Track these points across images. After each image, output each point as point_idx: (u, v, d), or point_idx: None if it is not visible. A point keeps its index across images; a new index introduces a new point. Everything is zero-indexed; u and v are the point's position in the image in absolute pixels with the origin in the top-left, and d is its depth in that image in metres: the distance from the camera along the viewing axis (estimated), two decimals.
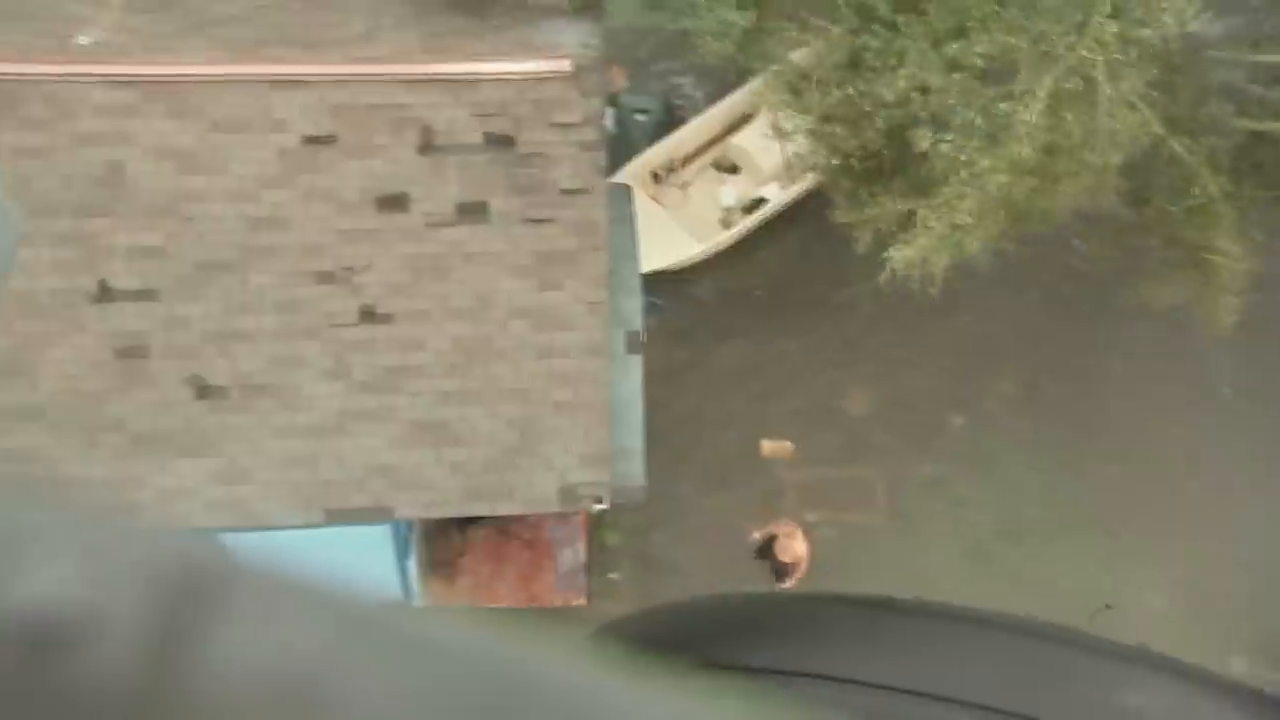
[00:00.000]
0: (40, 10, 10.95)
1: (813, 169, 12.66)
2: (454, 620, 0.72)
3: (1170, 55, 10.47)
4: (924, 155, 10.16)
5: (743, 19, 11.14)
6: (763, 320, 14.74)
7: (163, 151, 10.50)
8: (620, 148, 14.58)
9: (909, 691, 3.06)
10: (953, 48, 9.84)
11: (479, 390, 10.41)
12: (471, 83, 10.84)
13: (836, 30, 10.83)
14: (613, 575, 13.19)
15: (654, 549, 13.28)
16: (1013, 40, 9.76)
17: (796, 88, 11.40)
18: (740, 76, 13.94)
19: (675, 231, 14.60)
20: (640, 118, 15.66)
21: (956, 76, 10.03)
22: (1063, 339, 14.60)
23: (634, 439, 10.96)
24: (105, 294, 10.25)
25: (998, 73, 10.52)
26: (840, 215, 11.86)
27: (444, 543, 12.52)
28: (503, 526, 12.48)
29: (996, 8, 9.87)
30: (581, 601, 12.60)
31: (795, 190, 15.00)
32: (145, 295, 10.30)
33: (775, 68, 11.62)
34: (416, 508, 10.45)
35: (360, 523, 10.46)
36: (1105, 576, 12.97)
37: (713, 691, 0.73)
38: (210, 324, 10.32)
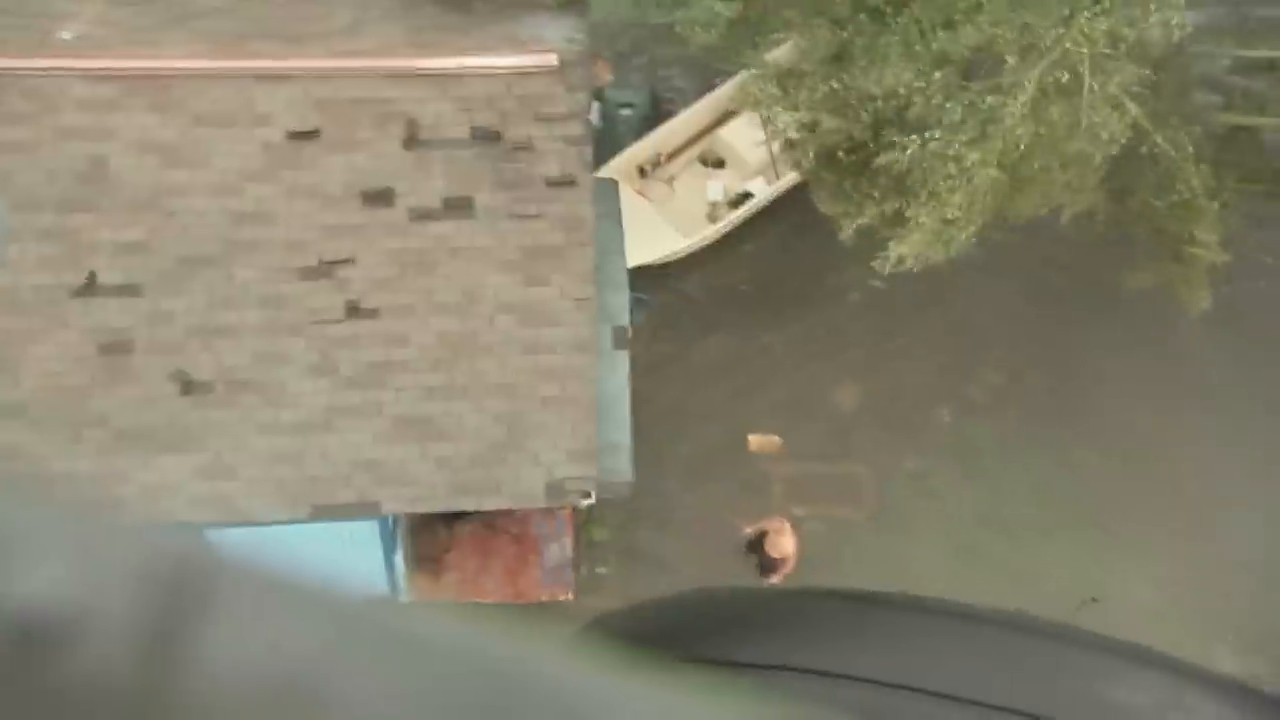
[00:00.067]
0: (22, 4, 10.90)
1: (797, 164, 12.69)
2: (444, 617, 0.72)
3: (1156, 53, 10.50)
4: (910, 155, 10.18)
5: (728, 9, 11.16)
6: (748, 314, 14.75)
7: (145, 146, 10.46)
8: (606, 142, 14.57)
9: (897, 686, 3.07)
10: (940, 37, 9.86)
11: (465, 385, 10.39)
12: (457, 77, 10.82)
13: (821, 21, 10.85)
14: (600, 570, 13.20)
15: (641, 544, 13.29)
16: (999, 32, 9.78)
17: (782, 83, 11.42)
18: (726, 70, 13.94)
19: (661, 226, 14.60)
20: (625, 112, 15.66)
21: (938, 75, 10.06)
22: (1049, 331, 14.65)
23: (621, 434, 10.96)
24: (88, 289, 10.20)
25: (982, 68, 10.56)
26: (823, 206, 11.90)
27: (430, 538, 12.51)
28: (489, 522, 12.48)
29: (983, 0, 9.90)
30: (568, 596, 12.60)
31: (781, 185, 15.01)
32: (128, 290, 10.25)
33: (760, 63, 11.64)
34: (403, 503, 10.43)
35: (346, 518, 10.44)
36: (1093, 569, 13.02)
37: (700, 688, 0.73)
38: (194, 319, 10.28)
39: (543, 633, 0.75)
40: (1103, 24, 9.65)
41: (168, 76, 10.52)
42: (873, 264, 11.11)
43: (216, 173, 10.49)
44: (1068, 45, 9.66)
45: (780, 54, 11.83)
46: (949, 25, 9.91)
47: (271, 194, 10.50)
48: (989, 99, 9.97)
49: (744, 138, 15.14)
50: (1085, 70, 9.78)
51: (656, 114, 15.76)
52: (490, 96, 10.77)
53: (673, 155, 15.50)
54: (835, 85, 10.82)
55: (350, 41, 11.03)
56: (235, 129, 10.55)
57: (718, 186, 15.27)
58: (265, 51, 10.75)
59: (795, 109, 11.39)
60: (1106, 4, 9.69)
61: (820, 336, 14.61)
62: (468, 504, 10.61)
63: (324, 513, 10.17)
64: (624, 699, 0.73)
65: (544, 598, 12.62)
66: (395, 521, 11.64)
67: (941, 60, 10.12)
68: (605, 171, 13.92)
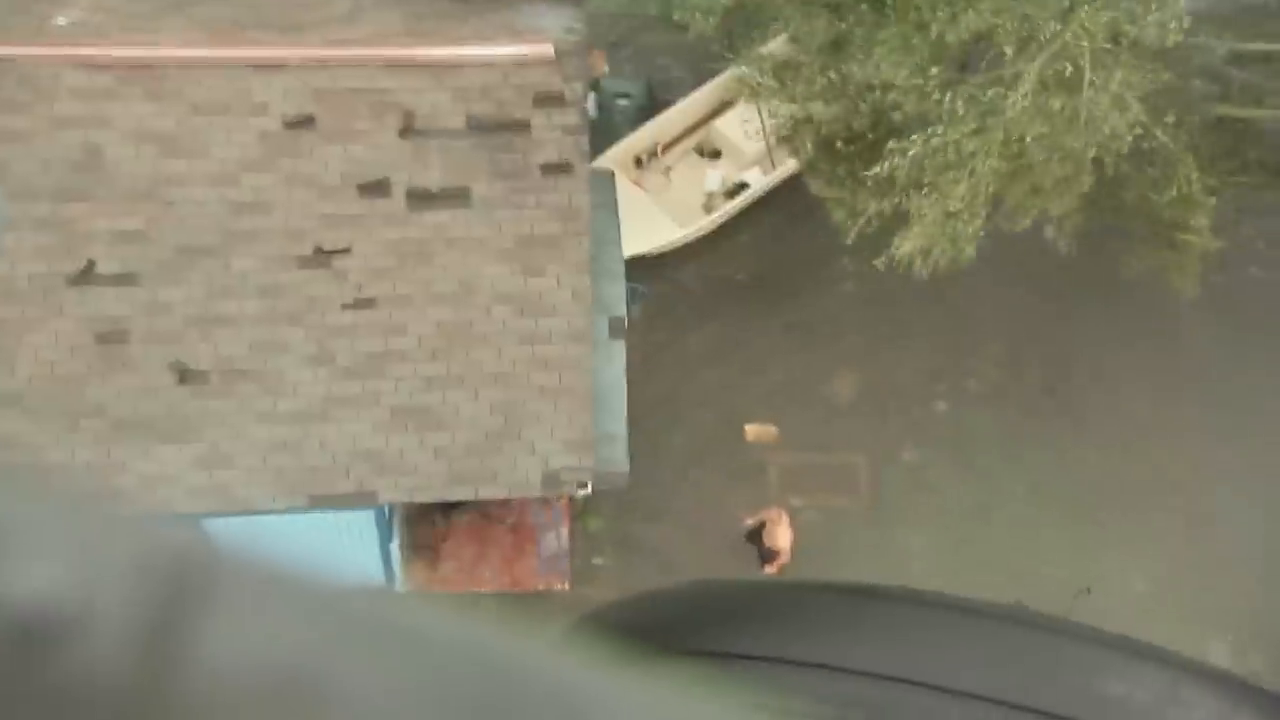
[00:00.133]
0: None
1: (796, 153, 12.69)
2: (444, 612, 0.72)
3: (1155, 49, 10.50)
4: (912, 156, 10.17)
5: None
6: (744, 305, 14.74)
7: (142, 135, 10.44)
8: (602, 133, 14.55)
9: (893, 678, 3.07)
10: (940, 19, 9.84)
11: (462, 375, 10.39)
12: (454, 67, 10.80)
13: (820, 10, 10.83)
14: (596, 560, 13.21)
15: (637, 534, 13.30)
16: (999, 21, 9.77)
17: (779, 74, 11.41)
18: (722, 61, 13.91)
19: (657, 216, 14.59)
20: (622, 103, 15.64)
21: (936, 70, 10.06)
22: (1046, 323, 14.65)
23: (617, 424, 10.96)
24: (85, 278, 10.19)
25: (980, 61, 10.55)
26: (816, 189, 11.91)
27: (427, 527, 12.52)
28: (486, 511, 12.48)
29: None
30: (564, 586, 12.62)
31: (777, 175, 15.00)
32: (126, 280, 10.24)
33: (756, 54, 11.63)
34: (400, 492, 10.43)
35: (344, 508, 10.44)
36: (1088, 560, 13.03)
37: (696, 683, 0.73)
38: (192, 309, 10.27)
39: (541, 628, 0.75)
40: (1103, 18, 9.65)
41: (164, 65, 10.50)
42: (876, 263, 11.09)
43: (214, 162, 10.47)
44: (1067, 38, 9.66)
45: (776, 45, 11.81)
46: (950, 4, 9.87)
47: (269, 183, 10.49)
48: (990, 91, 9.96)
49: (740, 128, 15.12)
50: (1086, 64, 9.78)
51: (653, 105, 15.74)
52: (487, 86, 10.76)
53: (669, 146, 15.48)
54: (833, 76, 10.81)
55: (347, 30, 11.01)
56: (232, 118, 10.53)
57: (718, 176, 15.26)
58: (262, 40, 10.72)
59: (792, 100, 11.38)
60: None
61: (817, 327, 14.61)
62: (465, 493, 10.61)
63: (322, 502, 10.18)
64: (621, 695, 0.73)
65: (540, 587, 12.63)
66: (392, 510, 11.64)
67: (939, 53, 10.11)
68: (601, 162, 13.90)
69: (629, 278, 12.17)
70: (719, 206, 15.10)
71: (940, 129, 10.02)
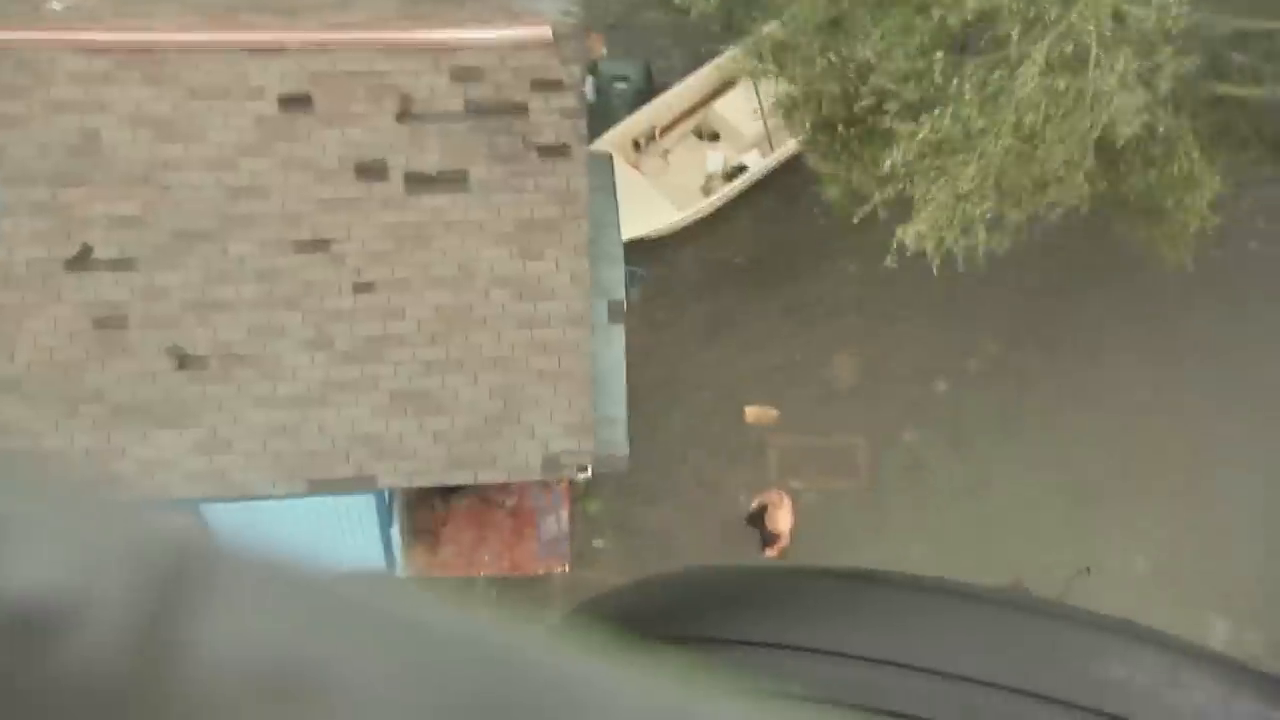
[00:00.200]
0: None
1: (793, 130, 12.66)
2: (444, 603, 0.72)
3: (1157, 33, 10.46)
4: (921, 139, 10.13)
5: None
6: (743, 287, 14.74)
7: (139, 119, 10.41)
8: (600, 116, 14.51)
9: (892, 663, 3.08)
10: (944, 2, 9.79)
11: (461, 359, 10.39)
12: (451, 49, 10.77)
13: None
14: (596, 543, 13.23)
15: (637, 516, 13.31)
16: (1004, 2, 9.73)
17: (778, 56, 11.37)
18: (721, 43, 13.87)
19: (656, 199, 14.57)
20: (620, 86, 15.59)
21: (940, 55, 10.01)
22: (1046, 302, 14.63)
23: (617, 408, 10.96)
24: (82, 262, 10.18)
25: (980, 42, 10.51)
26: (814, 163, 11.88)
27: (426, 511, 12.53)
28: (485, 495, 12.50)
29: None
30: (564, 569, 12.64)
31: (776, 157, 14.98)
32: (123, 265, 10.23)
33: (755, 37, 11.59)
34: (400, 477, 10.43)
35: (343, 492, 10.45)
36: (1088, 540, 13.05)
37: (696, 672, 0.73)
38: (190, 293, 10.26)
39: (540, 613, 0.75)
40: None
41: (161, 49, 10.46)
42: (888, 263, 11.02)
43: (211, 146, 10.45)
44: (1073, 19, 9.62)
45: (774, 27, 11.76)
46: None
47: (266, 167, 10.47)
48: (996, 72, 9.93)
49: (739, 111, 15.09)
50: (1093, 43, 9.74)
51: (651, 87, 15.69)
52: (485, 69, 10.73)
53: (667, 129, 15.45)
54: (832, 58, 10.77)
55: (343, 13, 10.97)
56: (229, 102, 10.51)
57: (719, 158, 15.23)
58: (259, 24, 10.69)
59: (792, 81, 11.34)
60: None
61: (816, 308, 14.60)
62: (464, 478, 10.62)
63: (321, 487, 10.18)
64: (619, 683, 0.73)
65: (540, 570, 12.66)
66: (391, 495, 11.65)
67: (939, 37, 10.06)
68: (600, 145, 13.86)
69: (628, 261, 12.16)
70: (717, 189, 15.07)
71: (947, 109, 9.98)
